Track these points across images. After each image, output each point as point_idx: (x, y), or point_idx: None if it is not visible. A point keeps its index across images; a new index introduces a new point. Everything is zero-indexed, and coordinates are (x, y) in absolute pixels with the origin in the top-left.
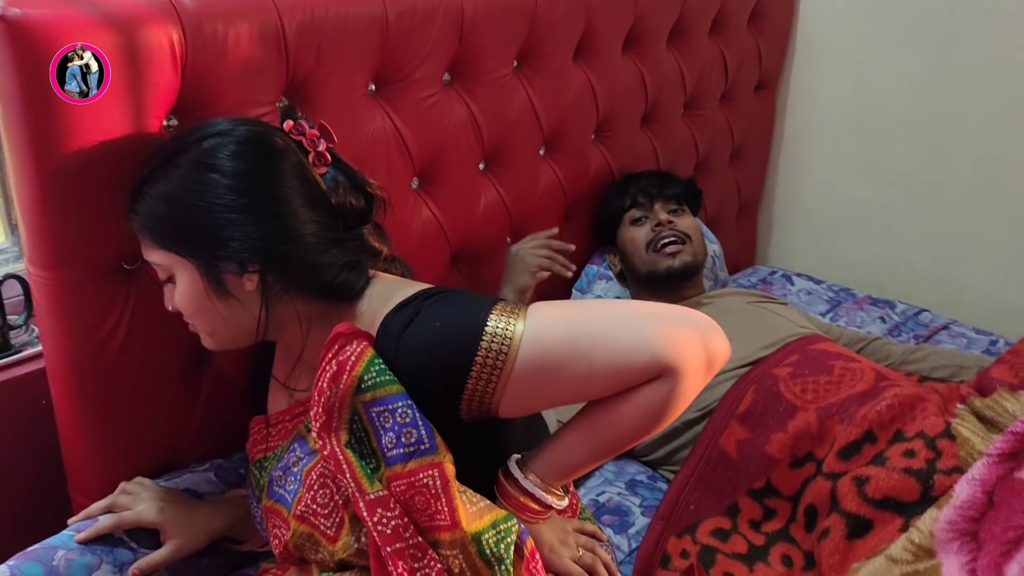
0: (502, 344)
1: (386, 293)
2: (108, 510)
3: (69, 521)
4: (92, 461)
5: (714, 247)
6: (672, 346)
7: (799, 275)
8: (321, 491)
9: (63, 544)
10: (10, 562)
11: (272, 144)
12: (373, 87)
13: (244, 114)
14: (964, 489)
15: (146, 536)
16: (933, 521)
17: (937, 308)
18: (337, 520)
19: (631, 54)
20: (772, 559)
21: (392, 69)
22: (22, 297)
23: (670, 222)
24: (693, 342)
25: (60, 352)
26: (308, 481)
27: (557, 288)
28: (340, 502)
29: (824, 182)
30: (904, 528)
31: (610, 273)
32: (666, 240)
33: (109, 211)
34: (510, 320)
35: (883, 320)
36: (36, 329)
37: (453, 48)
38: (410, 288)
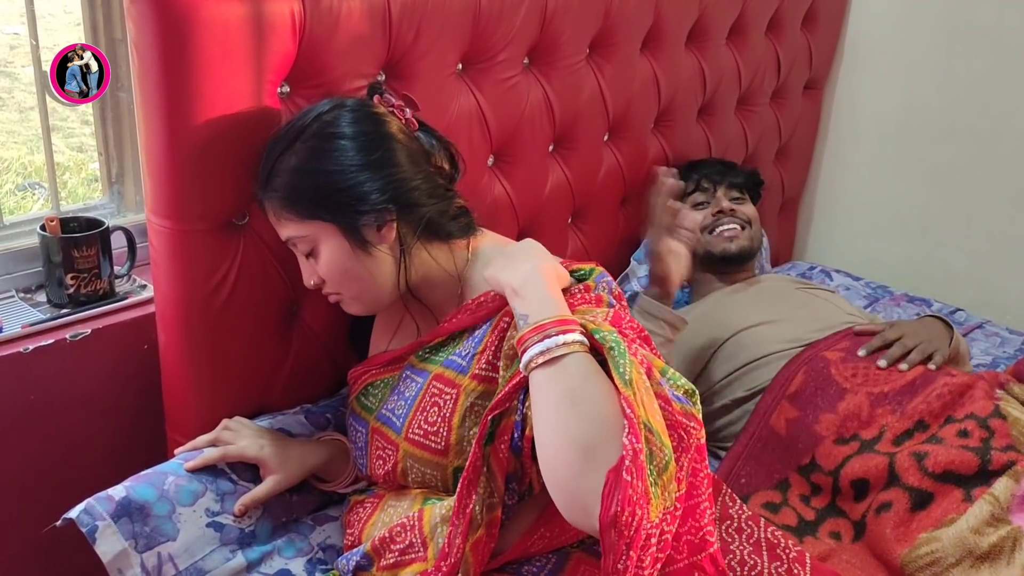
0: None
1: (497, 242)
2: (212, 444)
3: (176, 451)
4: (192, 402)
5: (763, 239)
6: None
7: (837, 271)
8: (431, 410)
9: (173, 471)
10: (126, 483)
11: (377, 109)
12: (460, 67)
13: (347, 85)
14: None
15: (245, 470)
16: (1008, 492)
17: (971, 308)
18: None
19: (693, 48)
20: (821, 534)
21: (479, 50)
22: (126, 249)
23: (732, 210)
24: None
25: (173, 297)
26: (421, 404)
27: (622, 257)
28: (447, 415)
29: (865, 181)
30: (966, 499)
31: None
32: (725, 226)
33: (229, 166)
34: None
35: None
36: (138, 279)
37: (535, 33)
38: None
